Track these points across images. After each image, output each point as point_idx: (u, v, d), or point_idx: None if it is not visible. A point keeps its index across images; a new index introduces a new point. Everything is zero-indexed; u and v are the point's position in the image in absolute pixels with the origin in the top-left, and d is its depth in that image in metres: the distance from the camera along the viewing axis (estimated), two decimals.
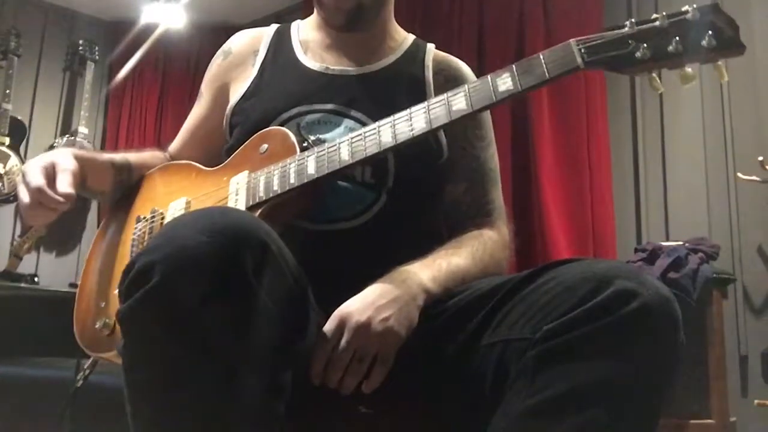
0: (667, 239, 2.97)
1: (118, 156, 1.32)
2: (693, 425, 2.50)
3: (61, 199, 1.12)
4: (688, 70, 0.95)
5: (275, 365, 0.86)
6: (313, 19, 1.33)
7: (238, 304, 0.81)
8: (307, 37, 1.31)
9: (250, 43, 1.34)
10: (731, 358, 2.74)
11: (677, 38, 0.93)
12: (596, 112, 3.25)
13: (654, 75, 0.97)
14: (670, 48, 0.93)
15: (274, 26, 1.36)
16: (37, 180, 1.12)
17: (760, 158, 2.64)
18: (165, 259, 0.79)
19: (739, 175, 2.78)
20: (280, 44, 1.31)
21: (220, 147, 1.33)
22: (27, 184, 1.13)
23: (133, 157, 1.34)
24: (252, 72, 1.29)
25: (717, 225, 2.93)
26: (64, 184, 1.13)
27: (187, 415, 0.81)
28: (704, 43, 0.92)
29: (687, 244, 2.70)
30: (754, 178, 2.71)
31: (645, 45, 0.94)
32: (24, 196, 1.14)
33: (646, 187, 3.20)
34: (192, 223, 0.82)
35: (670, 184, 3.13)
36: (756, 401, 2.54)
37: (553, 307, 0.86)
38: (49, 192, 1.12)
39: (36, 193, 1.12)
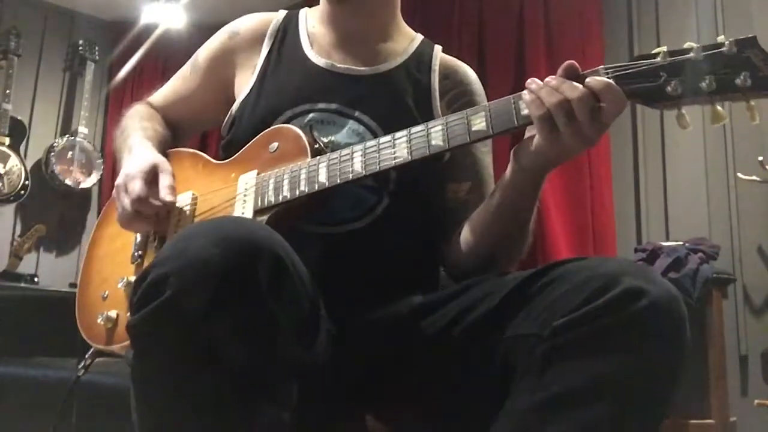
0: (667, 239, 2.98)
1: (159, 135, 1.31)
2: (693, 425, 2.51)
3: (160, 204, 1.12)
4: (719, 108, 0.90)
5: (284, 378, 0.86)
6: (319, 13, 1.31)
7: (251, 318, 0.80)
8: (315, 30, 1.29)
9: (258, 29, 1.31)
10: (731, 358, 2.75)
11: (711, 74, 0.87)
12: None
13: (683, 112, 0.92)
14: (703, 85, 0.88)
15: (282, 12, 1.33)
16: (140, 189, 1.12)
17: (760, 158, 2.64)
18: (178, 271, 0.78)
19: (739, 175, 2.78)
20: (287, 34, 1.30)
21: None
22: (128, 193, 1.12)
23: (152, 132, 1.32)
24: (257, 62, 1.27)
25: (717, 225, 2.93)
26: (167, 191, 1.13)
27: (195, 427, 0.81)
28: (738, 81, 0.86)
29: (687, 244, 2.71)
30: (754, 178, 2.71)
31: (677, 79, 0.89)
32: (126, 205, 1.12)
33: (646, 187, 3.20)
34: (205, 235, 0.81)
35: (670, 185, 3.13)
36: (756, 401, 2.54)
37: (562, 304, 0.86)
38: (152, 201, 1.12)
39: (137, 203, 1.11)
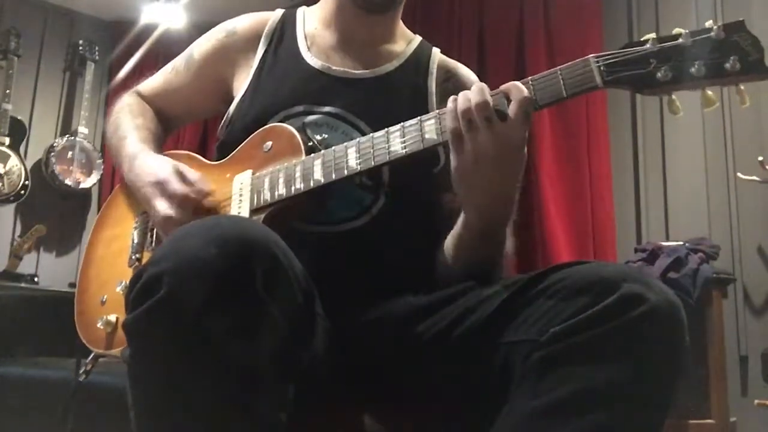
0: (667, 239, 2.97)
1: (153, 135, 1.31)
2: (693, 425, 2.50)
3: (203, 196, 1.12)
4: (709, 93, 0.92)
5: (280, 377, 0.86)
6: (321, 14, 1.30)
7: (247, 317, 0.80)
8: (314, 31, 1.29)
9: (255, 28, 1.31)
10: (731, 358, 2.74)
11: (700, 60, 0.89)
12: (596, 112, 3.25)
13: (674, 97, 0.94)
14: (693, 70, 0.89)
15: (279, 12, 1.33)
16: (181, 188, 1.12)
17: (760, 158, 2.63)
18: (174, 270, 0.78)
19: (739, 175, 2.78)
20: (284, 34, 1.29)
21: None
22: (171, 196, 1.11)
23: (147, 133, 1.32)
24: (254, 62, 1.27)
25: (717, 225, 2.93)
26: (202, 183, 1.13)
27: (192, 426, 0.81)
28: (728, 66, 0.88)
29: (687, 244, 2.70)
30: (754, 178, 2.71)
31: (667, 65, 0.90)
32: (172, 209, 1.11)
33: (646, 187, 3.20)
34: (201, 234, 0.81)
35: (670, 184, 3.13)
36: (756, 401, 2.54)
37: (560, 310, 0.86)
38: (194, 196, 1.12)
39: (185, 200, 1.11)
